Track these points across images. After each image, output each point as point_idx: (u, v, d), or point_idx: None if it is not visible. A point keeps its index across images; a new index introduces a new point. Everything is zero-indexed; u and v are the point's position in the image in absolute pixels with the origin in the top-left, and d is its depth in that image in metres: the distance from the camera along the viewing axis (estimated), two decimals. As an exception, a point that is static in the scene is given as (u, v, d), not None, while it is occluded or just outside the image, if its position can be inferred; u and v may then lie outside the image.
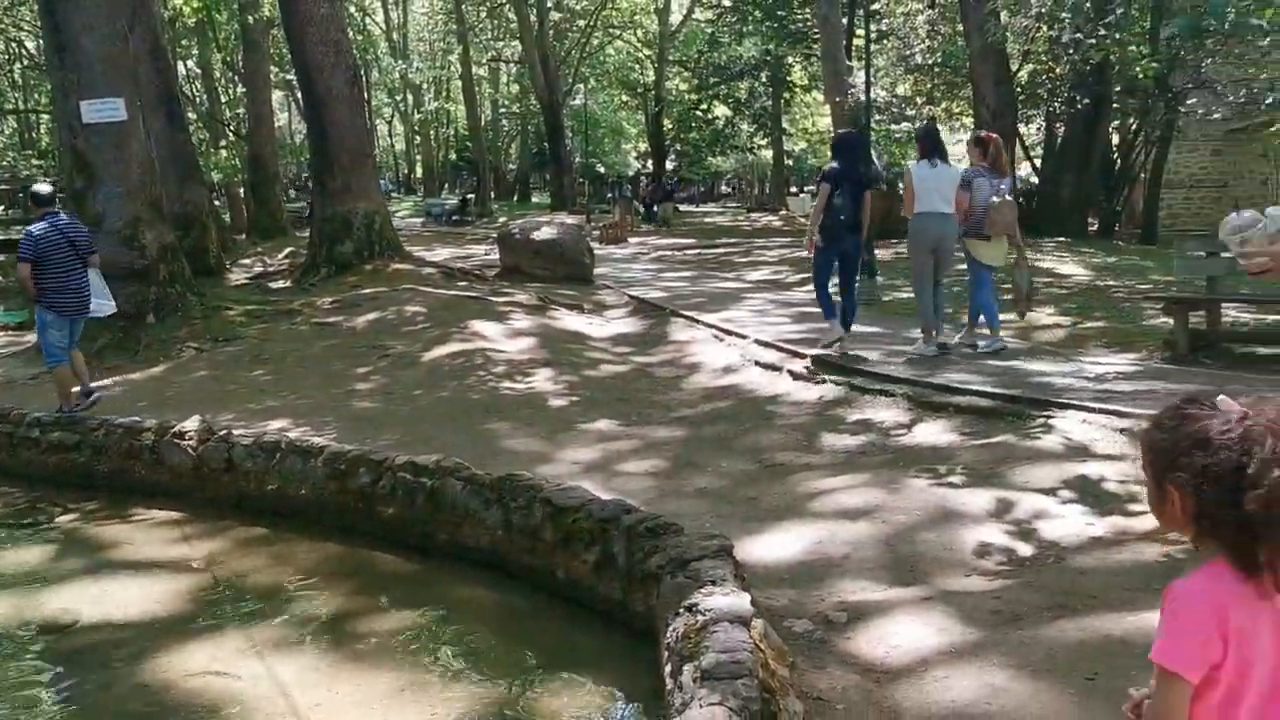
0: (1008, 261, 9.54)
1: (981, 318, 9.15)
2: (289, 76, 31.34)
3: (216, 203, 27.57)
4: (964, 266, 9.42)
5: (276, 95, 38.67)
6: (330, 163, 15.47)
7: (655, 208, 36.40)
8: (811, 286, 9.58)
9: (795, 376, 8.50)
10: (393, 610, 4.58)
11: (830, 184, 8.82)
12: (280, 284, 16.08)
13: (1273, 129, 22.36)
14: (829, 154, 9.44)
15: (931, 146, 8.98)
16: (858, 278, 9.53)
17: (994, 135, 9.56)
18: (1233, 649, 1.66)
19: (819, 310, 9.35)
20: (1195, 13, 9.18)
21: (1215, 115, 22.77)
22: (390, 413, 8.34)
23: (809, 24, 33.67)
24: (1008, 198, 8.79)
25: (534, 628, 4.42)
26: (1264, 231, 2.81)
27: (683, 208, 46.26)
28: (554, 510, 4.60)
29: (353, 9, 44.39)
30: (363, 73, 29.00)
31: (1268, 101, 22.02)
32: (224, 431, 6.44)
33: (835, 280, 9.19)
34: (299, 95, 24.78)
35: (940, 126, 31.52)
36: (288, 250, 20.19)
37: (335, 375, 9.84)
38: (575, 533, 4.46)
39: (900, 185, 9.53)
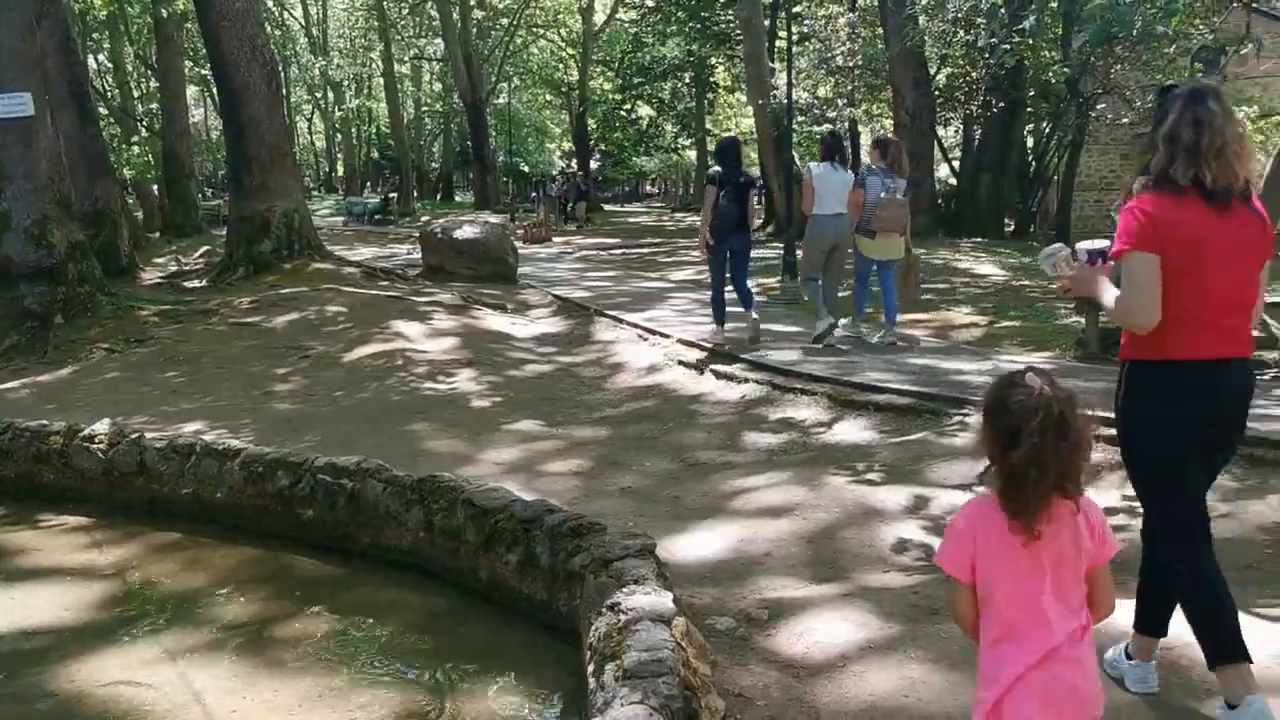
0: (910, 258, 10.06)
1: (885, 311, 9.58)
2: (204, 71, 30.76)
3: (129, 200, 26.90)
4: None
5: (191, 91, 37.92)
6: (248, 160, 15.19)
7: (570, 207, 35.86)
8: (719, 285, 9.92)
9: (718, 376, 8.56)
10: (312, 614, 4.51)
11: (716, 186, 9.44)
12: (196, 284, 15.75)
13: (1179, 133, 23.07)
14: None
15: (832, 150, 9.72)
16: (748, 273, 10.12)
17: (896, 138, 10.11)
18: (979, 563, 2.28)
19: (739, 309, 9.73)
20: (1104, 21, 9.42)
21: (1124, 120, 23.40)
22: (310, 414, 8.22)
23: (732, 25, 33.94)
24: (897, 196, 9.13)
25: (457, 630, 4.38)
26: (1067, 258, 3.42)
27: (607, 207, 46.28)
28: (477, 511, 4.57)
29: (270, 4, 43.76)
30: (281, 69, 28.48)
31: (1174, 107, 22.70)
32: (135, 434, 6.27)
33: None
34: (215, 91, 24.28)
35: (861, 128, 32.12)
36: (204, 249, 19.79)
37: (253, 376, 9.67)
38: (498, 533, 4.44)
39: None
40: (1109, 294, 3.17)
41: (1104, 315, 9.13)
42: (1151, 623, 3.33)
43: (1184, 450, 3.12)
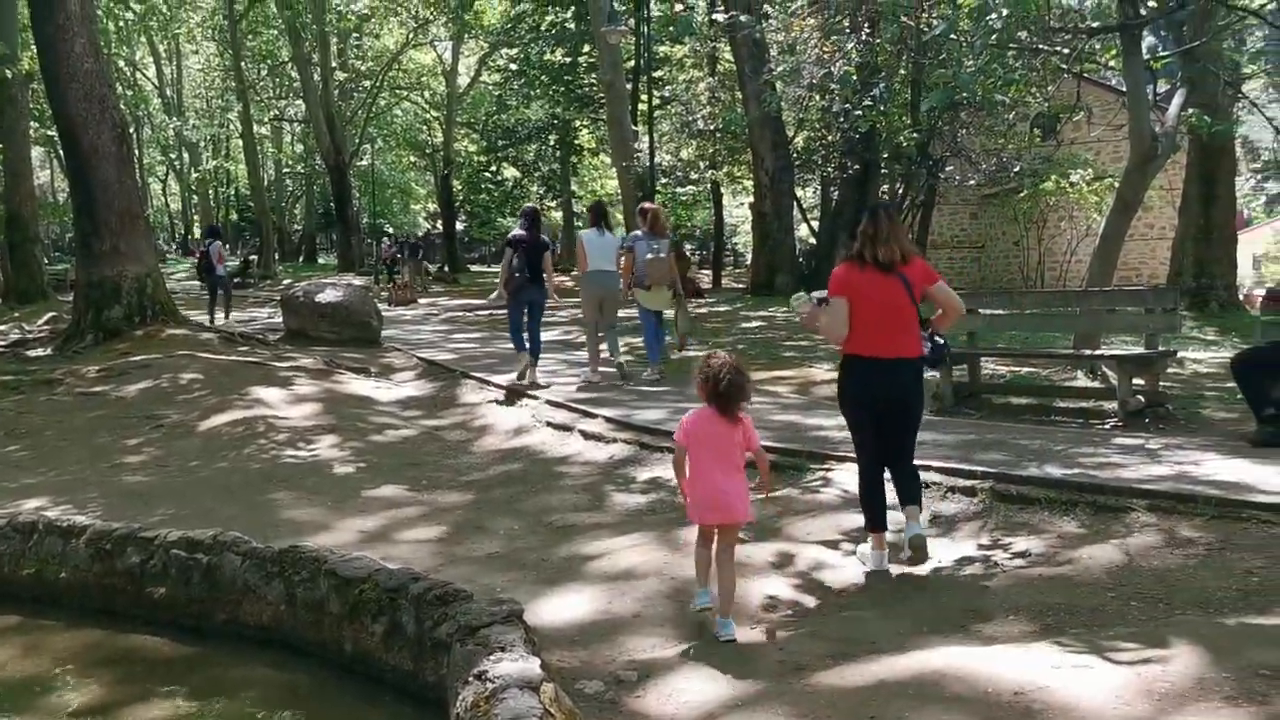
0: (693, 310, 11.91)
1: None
2: (50, 132, 29.70)
3: (-32, 266, 25.65)
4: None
5: (37, 152, 36.54)
6: (97, 223, 14.65)
7: (396, 269, 34.04)
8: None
9: (586, 436, 8.56)
10: (160, 698, 4.31)
11: (512, 248, 10.93)
12: (40, 352, 15.03)
13: (1021, 195, 24.27)
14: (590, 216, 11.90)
15: (599, 218, 11.42)
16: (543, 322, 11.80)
17: (652, 205, 11.74)
18: (692, 442, 4.54)
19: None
20: (949, 88, 9.91)
21: (971, 181, 24.52)
22: (164, 486, 7.91)
23: (595, 89, 34.47)
24: (661, 255, 10.76)
25: (319, 706, 4.24)
26: (805, 299, 5.57)
27: (474, 268, 46.07)
28: (340, 581, 4.45)
29: (122, 63, 42.66)
30: (133, 129, 27.67)
31: (1015, 170, 23.90)
32: (-28, 513, 5.94)
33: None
34: (62, 152, 23.43)
35: (723, 190, 32.83)
36: (49, 315, 18.93)
37: (101, 448, 9.27)
38: (362, 604, 4.33)
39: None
40: (822, 320, 5.36)
41: (957, 371, 9.52)
42: (871, 522, 5.27)
43: (861, 409, 5.31)
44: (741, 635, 4.42)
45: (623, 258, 11.02)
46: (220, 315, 20.25)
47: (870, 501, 5.26)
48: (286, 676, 4.48)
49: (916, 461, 5.43)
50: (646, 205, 11.63)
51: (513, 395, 10.64)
